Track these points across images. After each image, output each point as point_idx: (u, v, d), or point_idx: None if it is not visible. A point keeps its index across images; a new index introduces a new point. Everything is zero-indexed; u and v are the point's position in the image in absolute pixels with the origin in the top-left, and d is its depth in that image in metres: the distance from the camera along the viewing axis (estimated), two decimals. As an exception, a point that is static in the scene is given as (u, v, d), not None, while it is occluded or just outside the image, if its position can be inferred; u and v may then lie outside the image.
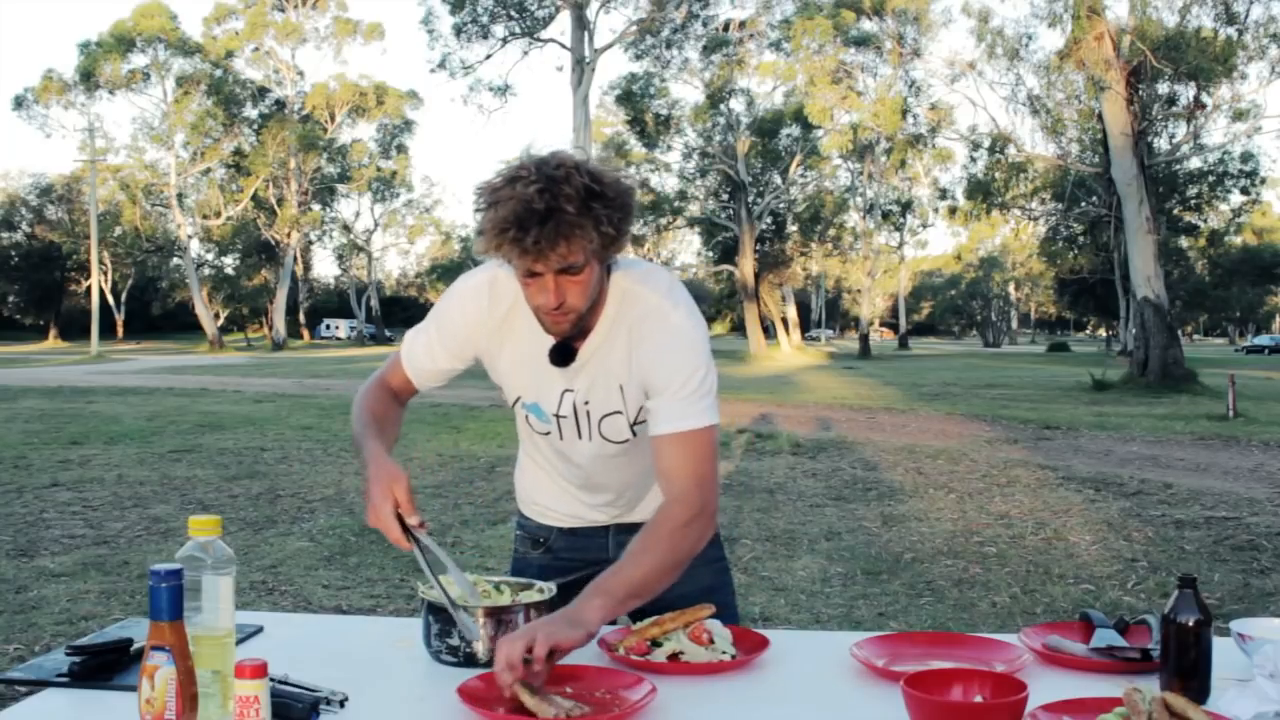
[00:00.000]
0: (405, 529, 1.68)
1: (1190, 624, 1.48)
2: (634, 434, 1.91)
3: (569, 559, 2.04)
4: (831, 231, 48.92)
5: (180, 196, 51.15)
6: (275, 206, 52.51)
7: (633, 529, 2.05)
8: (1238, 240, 54.75)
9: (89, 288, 52.16)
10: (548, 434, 1.95)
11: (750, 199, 42.91)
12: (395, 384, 2.00)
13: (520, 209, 1.60)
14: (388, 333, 68.49)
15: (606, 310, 1.82)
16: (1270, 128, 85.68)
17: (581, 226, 1.62)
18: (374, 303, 67.90)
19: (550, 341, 1.83)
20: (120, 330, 65.06)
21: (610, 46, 33.67)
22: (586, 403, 1.88)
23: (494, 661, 1.48)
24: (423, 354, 1.94)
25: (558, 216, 1.60)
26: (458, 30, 33.06)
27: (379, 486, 1.71)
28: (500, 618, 1.66)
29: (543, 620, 1.57)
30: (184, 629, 1.28)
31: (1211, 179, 41.48)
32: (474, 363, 1.95)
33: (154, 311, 66.69)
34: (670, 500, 1.75)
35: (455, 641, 1.66)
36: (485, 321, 1.87)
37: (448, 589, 1.66)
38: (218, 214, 51.40)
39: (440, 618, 1.67)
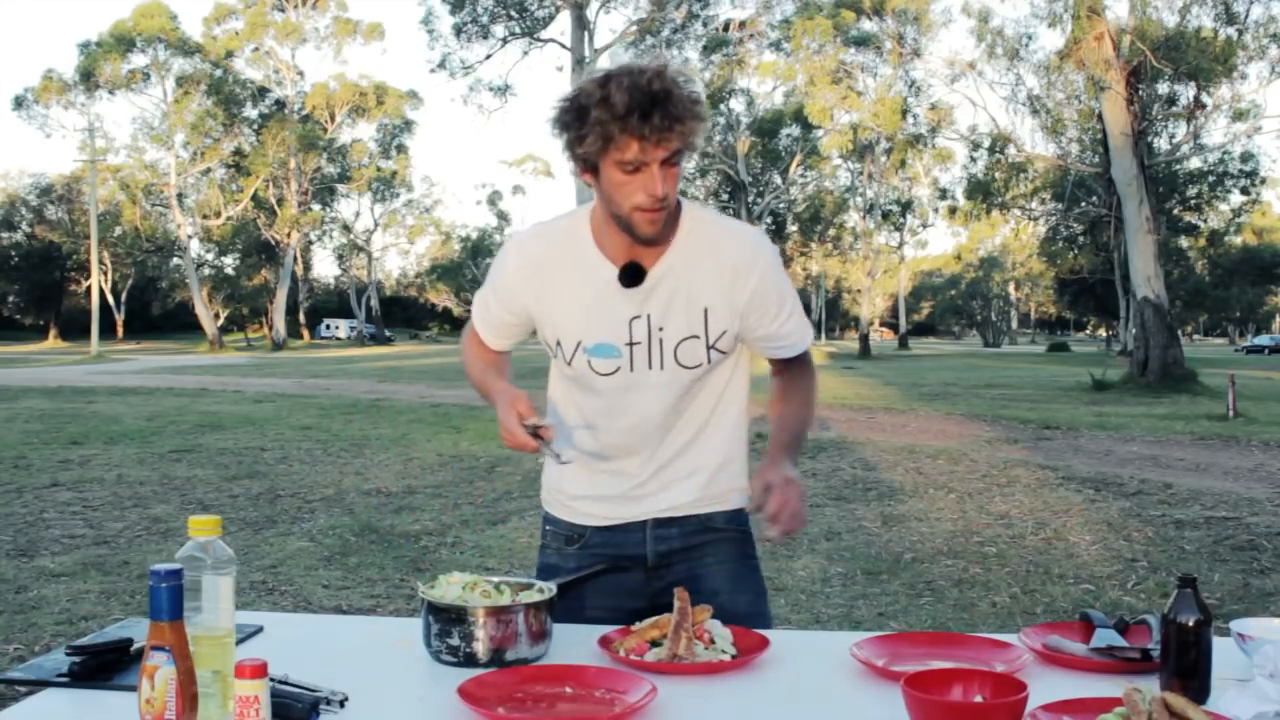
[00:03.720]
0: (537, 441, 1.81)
1: (1190, 624, 1.48)
2: (709, 360, 1.92)
3: (607, 555, 2.02)
4: (831, 231, 48.96)
5: (180, 196, 51.19)
6: (275, 206, 52.52)
7: (668, 524, 2.02)
8: (1238, 240, 54.75)
9: (89, 288, 52.19)
10: (613, 374, 1.91)
11: (750, 199, 42.92)
12: (481, 344, 2.08)
13: (638, 94, 1.68)
14: (388, 333, 68.48)
15: (680, 230, 1.87)
16: (1270, 128, 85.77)
17: (690, 110, 1.72)
18: (374, 303, 67.88)
19: (611, 276, 1.87)
20: (120, 330, 65.05)
21: (610, 46, 33.64)
22: (661, 328, 1.89)
23: (780, 515, 1.75)
24: (485, 311, 2.02)
25: (673, 97, 1.69)
26: (458, 30, 33.05)
27: (503, 406, 1.83)
28: (500, 618, 1.66)
29: (786, 476, 1.80)
30: (184, 629, 1.27)
31: (1211, 179, 41.50)
32: (529, 319, 1.97)
33: (154, 311, 66.75)
34: (803, 370, 2.08)
35: (455, 641, 1.66)
36: (537, 263, 1.92)
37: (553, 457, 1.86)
38: (218, 214, 51.42)
39: (440, 617, 1.67)
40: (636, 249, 1.85)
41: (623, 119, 1.67)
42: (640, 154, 1.71)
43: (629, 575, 2.00)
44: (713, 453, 2.02)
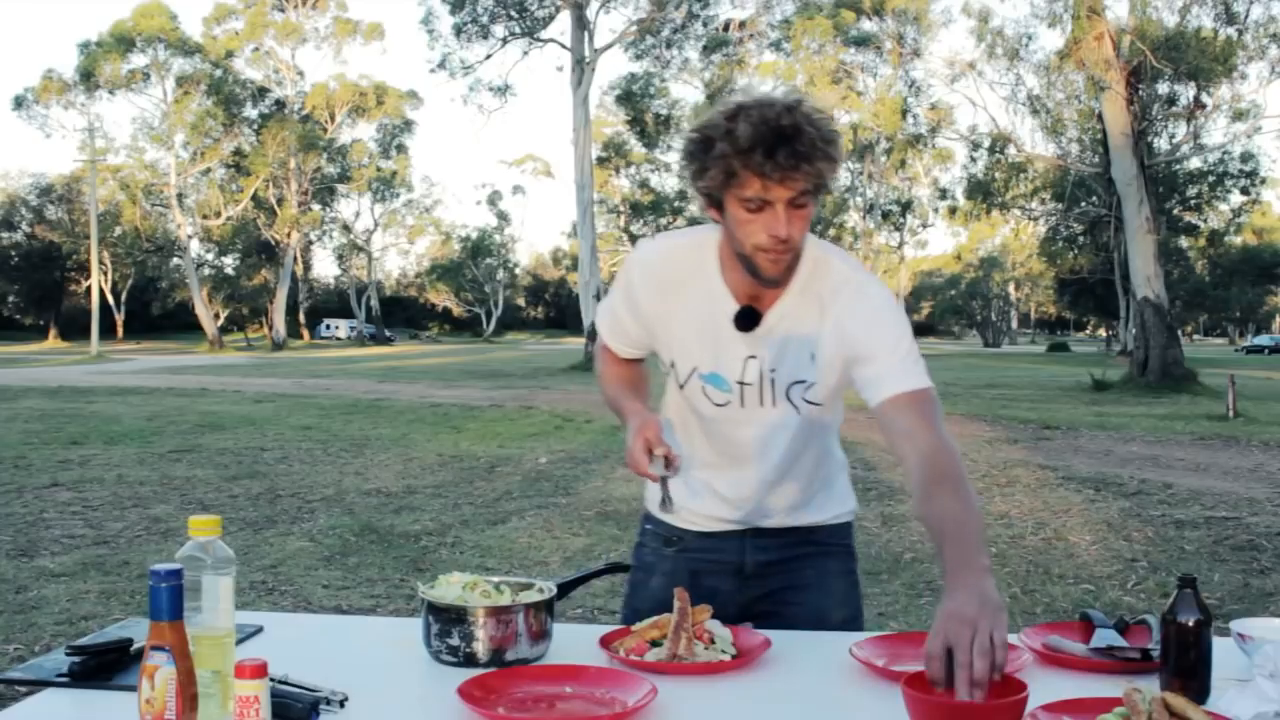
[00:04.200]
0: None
1: (1190, 624, 1.48)
2: (812, 406, 1.88)
3: (704, 560, 2.01)
4: (831, 231, 48.88)
5: (180, 196, 51.20)
6: (275, 206, 52.52)
7: (764, 534, 2.00)
8: (1238, 240, 54.79)
9: (89, 288, 52.18)
10: (725, 405, 1.89)
11: (750, 199, 42.85)
12: (614, 357, 2.03)
13: (765, 129, 1.60)
14: (388, 333, 68.47)
15: (798, 275, 1.81)
16: (1270, 128, 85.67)
17: (821, 150, 1.63)
18: (374, 303, 67.91)
19: (731, 310, 1.83)
20: (120, 330, 65.05)
21: (610, 46, 33.62)
22: (773, 370, 1.85)
23: (959, 670, 1.35)
24: (613, 321, 1.97)
25: (803, 136, 1.61)
26: (458, 30, 33.02)
27: (632, 432, 1.78)
28: (500, 618, 1.66)
29: (972, 610, 1.44)
30: (184, 629, 1.27)
31: (1211, 179, 41.51)
32: (654, 332, 1.92)
33: (154, 311, 66.67)
34: (935, 453, 1.70)
35: (455, 641, 1.66)
36: (663, 282, 1.87)
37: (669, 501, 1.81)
38: (218, 214, 51.43)
39: (440, 617, 1.67)
40: (757, 287, 1.81)
41: (745, 154, 1.61)
42: (763, 191, 1.64)
43: (721, 580, 1.98)
44: (820, 484, 2.02)
